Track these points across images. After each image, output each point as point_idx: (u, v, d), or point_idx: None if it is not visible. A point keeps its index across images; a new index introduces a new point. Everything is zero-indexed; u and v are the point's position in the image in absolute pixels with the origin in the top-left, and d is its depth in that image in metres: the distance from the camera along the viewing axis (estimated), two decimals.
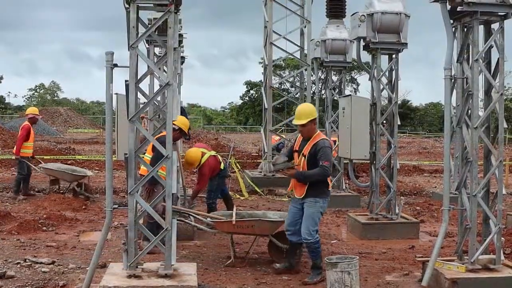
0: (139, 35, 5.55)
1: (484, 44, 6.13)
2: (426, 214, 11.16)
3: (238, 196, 13.13)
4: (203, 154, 9.38)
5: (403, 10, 8.74)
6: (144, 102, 5.84)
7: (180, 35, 10.87)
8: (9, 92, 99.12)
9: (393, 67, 9.11)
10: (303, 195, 6.41)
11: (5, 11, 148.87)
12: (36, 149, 17.12)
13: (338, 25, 12.71)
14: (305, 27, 15.25)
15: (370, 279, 6.63)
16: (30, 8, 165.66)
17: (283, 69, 58.66)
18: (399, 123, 9.23)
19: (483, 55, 6.16)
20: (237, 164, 15.65)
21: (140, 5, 5.64)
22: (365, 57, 9.50)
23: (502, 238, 6.32)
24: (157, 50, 13.04)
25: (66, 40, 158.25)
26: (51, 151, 23.25)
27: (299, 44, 15.74)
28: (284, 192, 13.46)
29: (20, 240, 8.22)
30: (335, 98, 13.13)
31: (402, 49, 8.93)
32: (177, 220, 6.78)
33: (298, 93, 16.81)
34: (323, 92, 14.30)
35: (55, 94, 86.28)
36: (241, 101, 71.24)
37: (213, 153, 9.62)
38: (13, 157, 13.16)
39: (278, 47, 15.47)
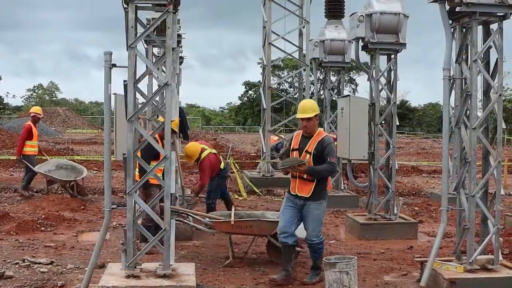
0: (137, 35, 5.55)
1: (483, 44, 6.13)
2: (425, 215, 11.17)
3: (236, 196, 13.12)
4: (203, 150, 9.38)
5: (402, 10, 8.75)
6: (143, 102, 5.84)
7: (179, 35, 10.85)
8: (8, 93, 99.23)
9: (391, 68, 9.11)
10: (310, 194, 6.25)
11: (5, 11, 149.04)
12: None
13: (337, 25, 12.72)
14: (303, 27, 15.25)
15: (369, 279, 6.63)
16: (30, 8, 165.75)
17: (282, 70, 58.67)
18: (397, 123, 9.23)
19: (482, 56, 6.16)
20: (236, 165, 15.64)
21: (138, 5, 5.63)
22: (364, 57, 9.54)
23: (500, 238, 6.32)
24: (155, 50, 13.04)
25: (65, 41, 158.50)
26: (49, 151, 23.15)
27: (297, 45, 15.74)
28: (283, 192, 13.46)
29: (19, 241, 8.21)
30: (334, 98, 13.14)
31: (401, 49, 8.94)
32: (176, 220, 6.79)
33: (297, 94, 16.82)
34: (321, 92, 14.31)
35: (54, 94, 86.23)
36: (240, 102, 71.25)
37: (213, 151, 9.62)
38: (14, 158, 13.21)
39: (277, 47, 15.48)
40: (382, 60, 9.11)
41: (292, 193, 6.39)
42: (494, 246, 6.12)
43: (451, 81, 6.17)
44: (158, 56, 11.99)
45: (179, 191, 8.77)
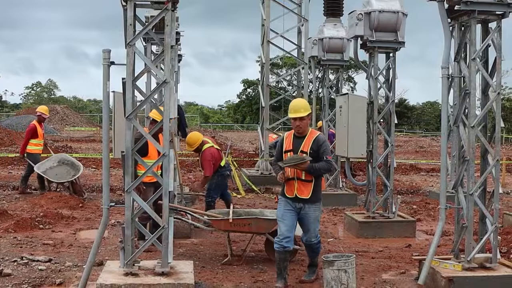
0: (136, 33, 5.55)
1: (482, 43, 6.14)
2: (423, 213, 11.18)
3: (235, 194, 13.12)
4: (205, 142, 9.38)
5: (401, 8, 8.75)
6: (141, 100, 5.83)
7: (177, 33, 10.86)
8: (6, 90, 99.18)
9: (390, 66, 9.11)
10: (309, 195, 6.12)
11: (3, 10, 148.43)
12: None
13: (336, 23, 12.70)
14: (302, 25, 15.25)
15: (367, 277, 6.64)
16: (28, 6, 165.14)
17: (280, 68, 58.57)
18: (396, 121, 9.22)
19: (480, 54, 6.16)
20: (234, 163, 15.64)
21: (137, 3, 5.63)
22: (363, 55, 9.54)
23: (498, 237, 6.33)
24: (154, 48, 13.06)
25: (63, 39, 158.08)
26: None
27: (296, 43, 15.75)
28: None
29: (17, 238, 8.20)
30: (332, 96, 13.14)
31: (400, 47, 8.94)
32: (174, 218, 6.79)
33: (295, 92, 16.82)
34: (320, 90, 14.33)
35: (52, 92, 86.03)
36: (238, 100, 71.11)
37: (217, 146, 9.63)
38: (13, 155, 13.22)
39: (276, 45, 15.50)
40: (381, 58, 9.13)
41: (290, 196, 6.17)
42: (492, 244, 6.13)
43: (450, 79, 6.18)
44: (157, 54, 12.00)
45: (177, 189, 8.77)
